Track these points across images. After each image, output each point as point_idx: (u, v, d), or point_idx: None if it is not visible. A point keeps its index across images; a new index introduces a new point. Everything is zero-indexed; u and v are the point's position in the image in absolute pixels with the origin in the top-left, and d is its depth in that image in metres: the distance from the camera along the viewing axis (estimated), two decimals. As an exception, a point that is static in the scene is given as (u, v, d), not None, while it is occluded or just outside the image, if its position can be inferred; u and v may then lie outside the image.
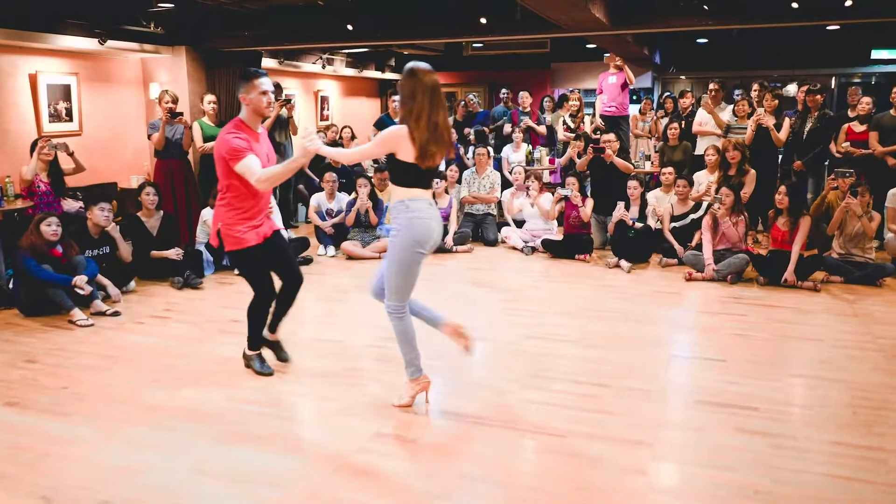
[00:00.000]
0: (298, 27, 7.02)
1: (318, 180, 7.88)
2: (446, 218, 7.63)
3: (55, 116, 6.66)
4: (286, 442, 3.26)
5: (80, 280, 5.15)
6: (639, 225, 6.79)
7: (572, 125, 9.49)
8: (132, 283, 5.94)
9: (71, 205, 6.14)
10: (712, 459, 3.04)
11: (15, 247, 5.33)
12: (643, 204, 7.11)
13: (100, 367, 4.23)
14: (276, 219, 6.81)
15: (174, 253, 6.10)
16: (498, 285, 6.08)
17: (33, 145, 6.03)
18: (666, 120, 8.87)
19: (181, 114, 6.71)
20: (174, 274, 6.06)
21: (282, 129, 7.79)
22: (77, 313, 5.04)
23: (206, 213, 6.57)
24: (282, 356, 4.22)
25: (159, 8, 6.49)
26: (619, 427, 3.35)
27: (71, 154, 6.15)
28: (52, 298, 5.06)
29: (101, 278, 5.50)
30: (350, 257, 7.14)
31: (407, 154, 3.24)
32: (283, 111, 7.63)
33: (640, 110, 9.71)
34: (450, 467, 3.02)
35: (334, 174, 7.60)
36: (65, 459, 3.10)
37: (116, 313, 5.25)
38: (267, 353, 4.17)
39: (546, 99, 10.17)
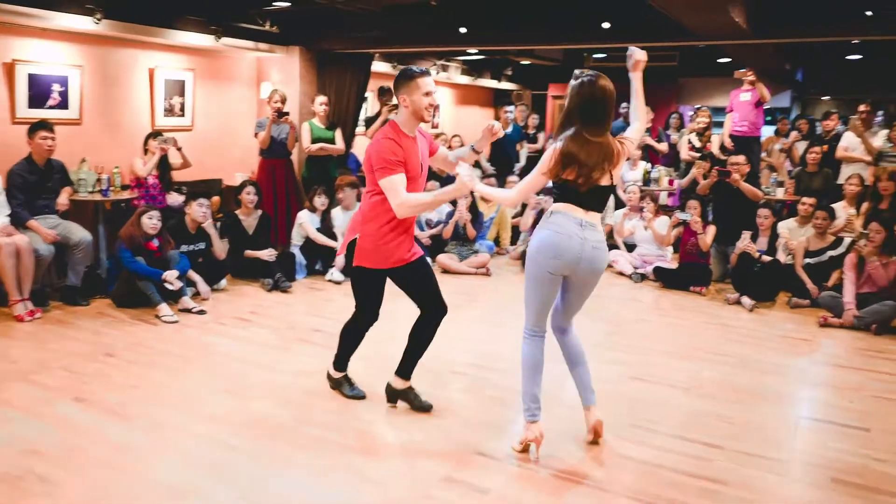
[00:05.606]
0: (411, 30, 6.78)
1: None
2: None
3: (169, 111, 6.78)
4: (345, 476, 2.93)
5: (171, 275, 5.12)
6: (766, 258, 6.06)
7: (698, 144, 8.79)
8: (224, 282, 5.89)
9: (176, 199, 6.18)
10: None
11: (115, 236, 5.39)
12: (773, 235, 6.35)
13: (174, 369, 4.11)
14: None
15: (267, 254, 6.01)
16: (600, 315, 5.54)
17: (146, 140, 6.14)
18: (801, 143, 8.03)
19: (287, 114, 6.67)
20: (266, 275, 5.96)
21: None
22: (164, 309, 4.99)
23: (303, 216, 6.46)
24: (421, 405, 3.56)
25: (275, 6, 6.44)
26: (732, 502, 2.79)
27: (179, 150, 6.20)
28: (142, 291, 5.04)
29: (192, 275, 5.46)
30: (445, 271, 6.82)
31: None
32: (392, 115, 7.44)
33: (776, 131, 8.85)
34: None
35: (437, 183, 7.32)
36: (116, 470, 2.92)
37: (202, 311, 5.17)
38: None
39: (673, 116, 9.53)
